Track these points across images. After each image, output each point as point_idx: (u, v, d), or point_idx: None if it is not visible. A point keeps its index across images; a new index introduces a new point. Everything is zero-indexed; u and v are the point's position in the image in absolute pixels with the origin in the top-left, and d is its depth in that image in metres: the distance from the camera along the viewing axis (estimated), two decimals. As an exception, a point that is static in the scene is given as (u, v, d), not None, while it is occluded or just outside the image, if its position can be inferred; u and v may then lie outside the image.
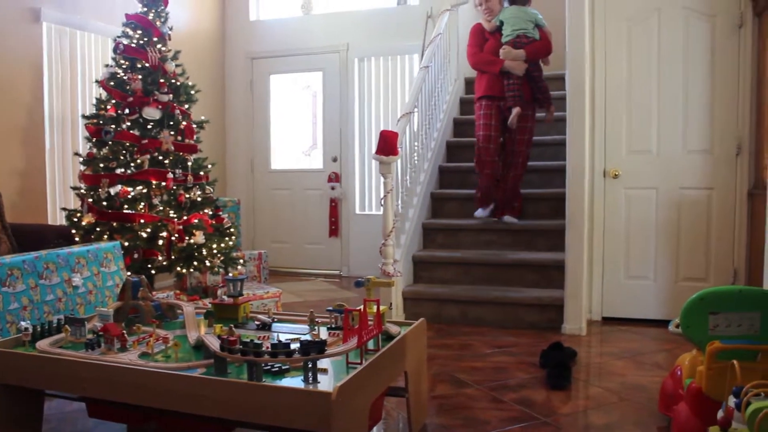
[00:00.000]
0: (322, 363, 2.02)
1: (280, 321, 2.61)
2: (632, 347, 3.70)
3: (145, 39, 4.26)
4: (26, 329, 2.28)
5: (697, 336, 2.24)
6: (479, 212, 4.76)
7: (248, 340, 1.93)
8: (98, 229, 4.03)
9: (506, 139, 4.67)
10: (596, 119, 4.29)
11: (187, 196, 4.25)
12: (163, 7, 4.39)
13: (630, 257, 4.29)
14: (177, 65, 4.40)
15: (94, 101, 4.29)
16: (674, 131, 4.19)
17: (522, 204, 4.83)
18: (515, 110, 4.44)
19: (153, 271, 4.10)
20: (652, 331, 4.04)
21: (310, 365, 1.86)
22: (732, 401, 1.77)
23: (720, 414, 1.82)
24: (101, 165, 4.11)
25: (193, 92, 4.46)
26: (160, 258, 4.07)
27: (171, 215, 4.12)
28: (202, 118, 4.59)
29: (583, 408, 2.79)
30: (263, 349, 1.88)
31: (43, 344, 2.22)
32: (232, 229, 4.53)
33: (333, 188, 6.45)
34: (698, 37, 4.13)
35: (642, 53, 4.22)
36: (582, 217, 4.06)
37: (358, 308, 2.24)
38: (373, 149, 4.30)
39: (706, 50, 4.11)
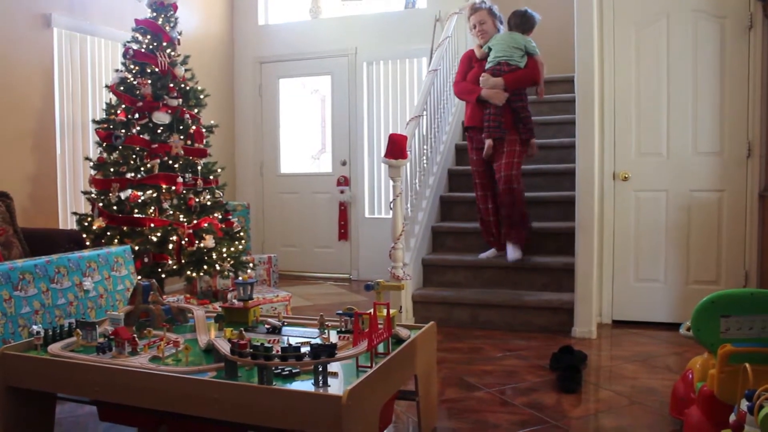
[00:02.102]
0: (332, 367, 2.02)
1: (290, 324, 2.62)
2: (643, 350, 3.68)
3: (155, 44, 4.28)
4: (38, 333, 2.30)
5: (709, 339, 2.22)
6: (484, 254, 4.50)
7: (258, 343, 1.93)
8: (109, 233, 4.05)
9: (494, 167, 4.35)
10: (605, 122, 4.28)
11: (197, 200, 4.27)
12: (172, 12, 4.41)
13: (640, 260, 4.27)
14: (186, 70, 4.42)
15: (105, 106, 4.31)
16: (684, 133, 4.17)
17: (528, 235, 4.39)
18: (488, 143, 4.22)
19: (163, 275, 4.12)
20: (662, 334, 4.02)
21: (320, 369, 1.87)
22: (744, 405, 1.75)
23: (732, 418, 1.81)
24: (112, 169, 4.13)
25: (202, 97, 4.48)
26: (170, 262, 4.08)
27: (181, 219, 4.14)
28: (212, 122, 4.60)
29: (594, 411, 2.78)
30: (273, 352, 1.88)
31: (54, 348, 2.23)
32: (241, 233, 4.54)
33: (342, 192, 6.46)
34: (707, 38, 4.11)
35: (651, 55, 4.21)
36: (592, 220, 4.04)
37: (368, 312, 2.24)
38: (382, 153, 4.30)
39: (715, 52, 4.10)
